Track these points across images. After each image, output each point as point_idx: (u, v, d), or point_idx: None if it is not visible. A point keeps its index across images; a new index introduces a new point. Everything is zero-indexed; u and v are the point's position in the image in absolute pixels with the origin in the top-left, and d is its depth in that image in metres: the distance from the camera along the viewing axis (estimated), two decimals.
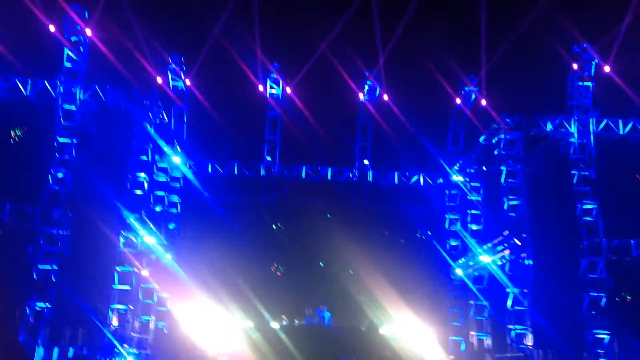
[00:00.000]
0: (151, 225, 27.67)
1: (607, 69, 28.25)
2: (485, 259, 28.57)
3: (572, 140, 28.49)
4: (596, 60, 28.26)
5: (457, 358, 30.79)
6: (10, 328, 25.12)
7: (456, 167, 32.83)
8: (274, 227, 35.45)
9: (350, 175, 33.47)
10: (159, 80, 29.54)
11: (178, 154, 31.14)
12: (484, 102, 30.15)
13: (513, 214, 27.37)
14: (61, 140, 26.94)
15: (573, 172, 28.05)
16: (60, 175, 26.53)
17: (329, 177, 33.10)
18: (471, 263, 30.54)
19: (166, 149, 29.78)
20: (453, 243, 33.02)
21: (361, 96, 32.60)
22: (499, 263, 27.65)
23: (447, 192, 33.77)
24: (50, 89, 27.46)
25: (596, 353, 25.98)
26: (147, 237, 26.98)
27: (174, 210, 31.84)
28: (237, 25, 30.96)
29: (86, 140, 28.28)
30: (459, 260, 31.85)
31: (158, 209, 30.22)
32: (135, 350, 26.38)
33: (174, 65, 29.92)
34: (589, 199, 27.57)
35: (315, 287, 32.88)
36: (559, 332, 27.26)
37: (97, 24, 27.73)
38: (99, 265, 27.03)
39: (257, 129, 33.12)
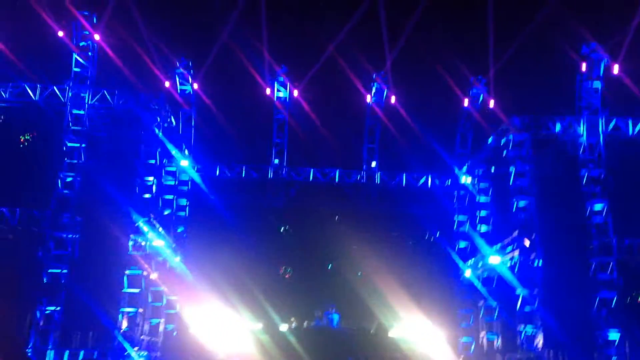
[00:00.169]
0: (160, 228, 27.82)
1: (616, 69, 28.06)
2: (495, 260, 28.47)
3: (581, 140, 28.38)
4: (605, 61, 28.08)
5: (466, 359, 30.68)
6: (21, 332, 25.30)
7: (465, 169, 32.75)
8: (282, 230, 35.47)
9: (359, 177, 33.37)
10: (167, 84, 29.71)
11: (186, 158, 31.30)
12: (492, 104, 30.04)
13: (522, 215, 27.27)
14: (70, 144, 27.21)
15: (582, 172, 27.93)
16: (69, 179, 26.78)
17: (337, 179, 32.99)
18: (480, 264, 30.43)
19: (174, 152, 29.97)
20: (462, 244, 32.94)
21: (368, 98, 32.57)
22: (509, 264, 27.55)
23: (455, 193, 33.69)
24: (59, 93, 27.73)
25: (607, 353, 25.83)
26: (156, 240, 27.13)
27: (182, 214, 31.97)
28: (244, 29, 31.03)
29: (95, 144, 28.53)
30: (468, 262, 31.75)
31: (166, 212, 30.37)
32: (145, 353, 26.49)
33: (181, 69, 30.01)
34: (598, 199, 27.45)
35: (323, 289, 32.86)
36: (569, 333, 27.13)
37: (105, 29, 28.00)
38: (108, 268, 27.21)
39: (265, 132, 33.15)
